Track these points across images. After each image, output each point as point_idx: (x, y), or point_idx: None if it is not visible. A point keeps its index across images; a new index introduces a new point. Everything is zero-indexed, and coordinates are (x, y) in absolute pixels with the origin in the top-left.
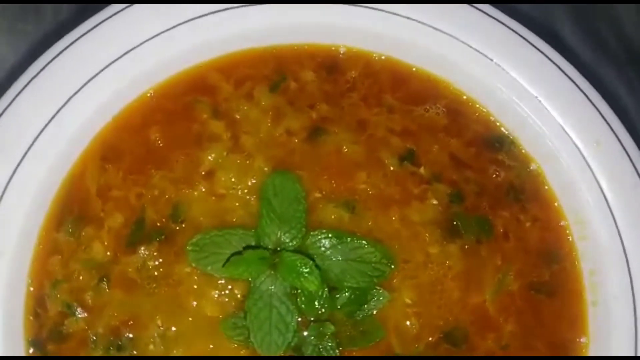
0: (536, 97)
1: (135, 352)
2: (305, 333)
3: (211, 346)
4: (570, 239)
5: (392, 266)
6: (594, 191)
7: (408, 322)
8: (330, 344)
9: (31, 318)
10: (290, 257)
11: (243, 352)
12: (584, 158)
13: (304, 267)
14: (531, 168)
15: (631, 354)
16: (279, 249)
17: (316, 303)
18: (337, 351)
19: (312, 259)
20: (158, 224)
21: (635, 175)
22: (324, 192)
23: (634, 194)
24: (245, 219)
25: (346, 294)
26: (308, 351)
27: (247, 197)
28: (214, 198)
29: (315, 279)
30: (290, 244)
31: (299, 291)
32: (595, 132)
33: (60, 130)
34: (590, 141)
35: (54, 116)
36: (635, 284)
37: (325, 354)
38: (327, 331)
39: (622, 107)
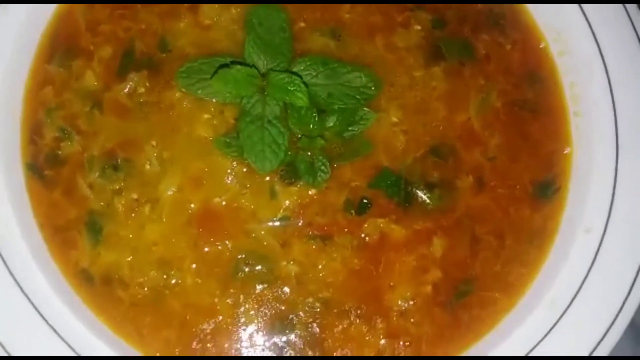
0: None
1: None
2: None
3: (206, 169)
4: (550, 57)
5: (377, 87)
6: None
7: (395, 139)
8: (321, 158)
9: (29, 145)
10: (278, 76)
11: (238, 168)
12: None
13: (291, 85)
14: None
15: (612, 158)
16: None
17: (306, 124)
18: (327, 165)
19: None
20: (147, 54)
21: None
22: (308, 22)
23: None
24: (231, 49)
25: (334, 115)
26: (302, 167)
27: (233, 26)
28: (199, 29)
29: (303, 94)
30: (277, 69)
31: (289, 112)
32: None
33: None
34: None
35: None
36: (614, 86)
37: (317, 170)
38: (317, 145)
39: None
